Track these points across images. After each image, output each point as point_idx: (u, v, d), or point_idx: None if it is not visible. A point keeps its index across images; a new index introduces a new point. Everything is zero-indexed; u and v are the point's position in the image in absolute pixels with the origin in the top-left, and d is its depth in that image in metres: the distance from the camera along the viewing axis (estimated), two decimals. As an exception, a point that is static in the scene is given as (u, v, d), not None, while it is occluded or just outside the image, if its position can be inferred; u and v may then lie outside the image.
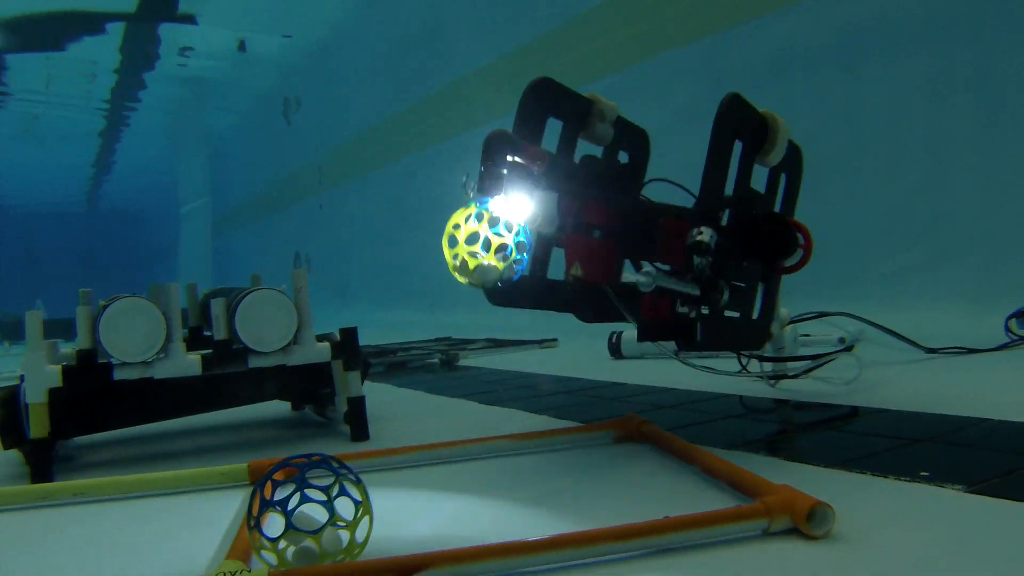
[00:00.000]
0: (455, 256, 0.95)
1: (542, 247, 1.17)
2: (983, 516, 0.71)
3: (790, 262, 1.10)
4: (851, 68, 2.69)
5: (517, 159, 0.95)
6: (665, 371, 1.87)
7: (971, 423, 1.08)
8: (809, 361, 1.49)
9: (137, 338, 1.17)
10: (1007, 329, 1.90)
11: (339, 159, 6.76)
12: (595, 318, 1.23)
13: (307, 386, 1.42)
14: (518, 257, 0.96)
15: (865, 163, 2.67)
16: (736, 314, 1.12)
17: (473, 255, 0.95)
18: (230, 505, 0.94)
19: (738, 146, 1.09)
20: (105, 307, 1.16)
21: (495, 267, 0.95)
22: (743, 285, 1.13)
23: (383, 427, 1.39)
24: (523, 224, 0.96)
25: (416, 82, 5.37)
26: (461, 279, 0.97)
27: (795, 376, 1.50)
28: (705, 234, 0.96)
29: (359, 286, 6.50)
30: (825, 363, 1.46)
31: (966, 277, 2.35)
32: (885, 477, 0.85)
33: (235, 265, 9.79)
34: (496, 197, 0.94)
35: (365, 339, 1.39)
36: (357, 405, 1.32)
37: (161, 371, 1.19)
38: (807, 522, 0.67)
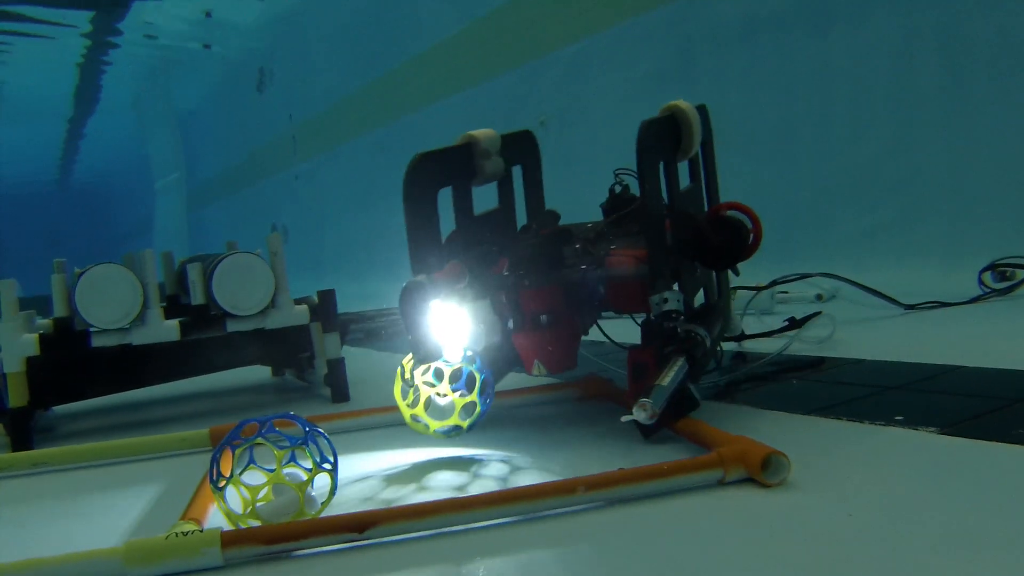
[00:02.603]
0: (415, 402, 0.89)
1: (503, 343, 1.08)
2: (955, 455, 0.72)
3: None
4: (818, 30, 2.69)
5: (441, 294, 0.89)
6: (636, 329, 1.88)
7: (945, 371, 1.09)
8: (785, 323, 1.51)
9: (114, 305, 1.16)
10: (980, 282, 1.93)
11: (312, 130, 6.71)
12: None
13: (286, 350, 1.42)
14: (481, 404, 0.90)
15: (833, 123, 2.68)
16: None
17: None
18: (190, 470, 0.94)
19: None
20: (81, 275, 1.15)
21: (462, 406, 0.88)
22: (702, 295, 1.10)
23: (362, 389, 1.39)
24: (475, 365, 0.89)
25: (387, 52, 5.32)
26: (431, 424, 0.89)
27: (769, 334, 1.51)
28: (671, 300, 0.90)
29: (335, 257, 6.47)
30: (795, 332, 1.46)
31: (937, 233, 2.37)
32: (861, 422, 0.86)
33: (211, 239, 9.71)
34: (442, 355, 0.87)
35: (342, 307, 1.39)
36: (336, 367, 1.32)
37: (139, 337, 1.18)
38: (762, 471, 0.68)
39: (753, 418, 0.94)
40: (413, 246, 0.93)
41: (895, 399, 0.96)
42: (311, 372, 1.43)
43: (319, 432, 0.69)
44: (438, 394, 0.88)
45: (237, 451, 0.65)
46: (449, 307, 0.89)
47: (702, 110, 1.15)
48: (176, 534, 0.59)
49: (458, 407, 0.87)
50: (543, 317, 1.00)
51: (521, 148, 1.15)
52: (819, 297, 2.15)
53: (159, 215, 11.14)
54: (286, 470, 0.65)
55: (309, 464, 0.66)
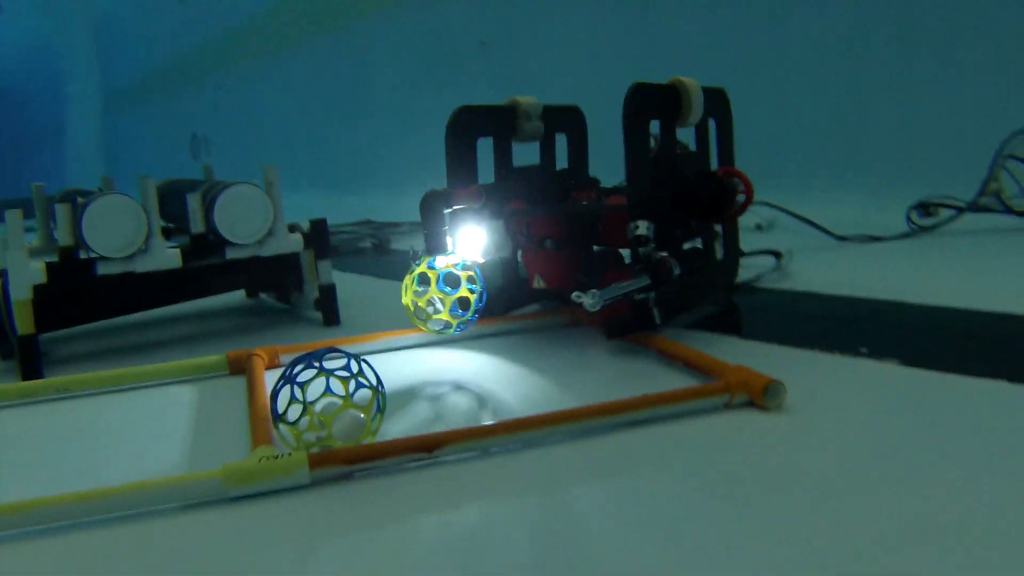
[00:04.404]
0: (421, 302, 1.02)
1: (511, 264, 1.27)
2: (919, 386, 0.84)
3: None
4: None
5: (457, 207, 1.06)
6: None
7: (891, 306, 1.22)
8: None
9: (119, 234, 1.20)
10: (908, 219, 2.07)
11: (240, 38, 6.52)
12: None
13: (276, 275, 1.46)
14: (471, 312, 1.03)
15: (789, 66, 2.78)
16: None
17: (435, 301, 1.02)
18: (216, 394, 1.00)
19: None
20: (86, 205, 1.18)
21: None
22: (697, 244, 1.22)
23: (342, 312, 1.45)
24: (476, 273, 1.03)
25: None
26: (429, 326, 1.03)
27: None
28: (642, 227, 1.01)
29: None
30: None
31: (872, 171, 2.52)
32: (831, 353, 0.98)
33: (128, 148, 9.41)
34: (447, 252, 1.03)
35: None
36: (328, 292, 1.39)
37: (143, 265, 1.23)
38: (763, 396, 0.79)
39: (737, 347, 1.05)
40: (451, 152, 1.16)
41: (856, 331, 1.08)
42: (297, 295, 1.48)
43: (366, 361, 0.76)
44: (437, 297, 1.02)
45: (305, 386, 0.72)
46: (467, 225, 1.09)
47: (721, 93, 1.26)
48: (265, 458, 0.67)
49: (447, 306, 1.02)
50: (547, 241, 1.18)
51: (567, 118, 1.32)
52: (759, 227, 2.28)
53: (71, 121, 10.70)
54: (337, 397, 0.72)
55: (359, 390, 0.74)
